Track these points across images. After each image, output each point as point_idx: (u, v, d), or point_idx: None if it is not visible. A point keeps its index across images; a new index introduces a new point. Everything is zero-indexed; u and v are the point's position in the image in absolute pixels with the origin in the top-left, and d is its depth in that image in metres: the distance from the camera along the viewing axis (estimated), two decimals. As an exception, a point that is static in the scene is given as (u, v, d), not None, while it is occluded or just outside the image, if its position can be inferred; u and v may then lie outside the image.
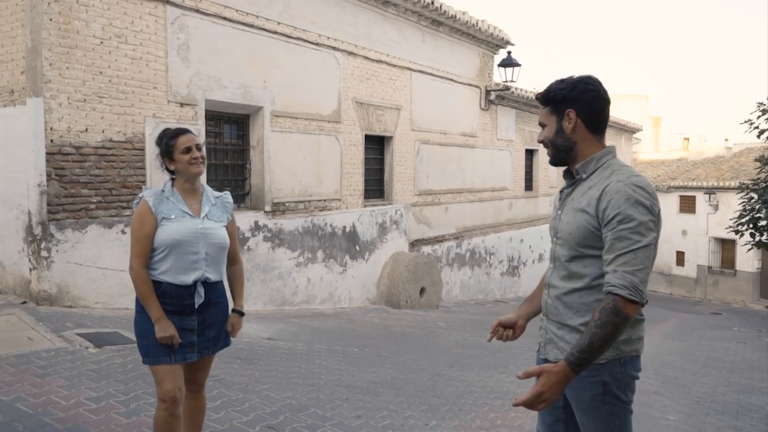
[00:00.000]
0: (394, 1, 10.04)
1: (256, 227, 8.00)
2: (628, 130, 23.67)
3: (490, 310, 12.07)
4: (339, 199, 9.47)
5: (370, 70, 9.94)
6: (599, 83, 2.05)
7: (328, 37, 8.97)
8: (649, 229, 1.85)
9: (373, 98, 10.07)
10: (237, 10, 7.54)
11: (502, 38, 13.22)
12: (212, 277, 2.81)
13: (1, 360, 4.34)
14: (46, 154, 5.77)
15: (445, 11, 11.03)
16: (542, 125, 2.13)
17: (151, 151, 6.63)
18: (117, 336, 5.25)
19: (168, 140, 2.81)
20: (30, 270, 5.82)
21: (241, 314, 2.98)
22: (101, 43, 6.16)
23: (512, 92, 13.85)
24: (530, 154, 16.40)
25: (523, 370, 1.92)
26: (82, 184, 6.08)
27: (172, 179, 2.86)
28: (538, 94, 2.12)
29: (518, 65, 13.41)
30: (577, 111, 2.02)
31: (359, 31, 9.58)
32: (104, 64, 6.19)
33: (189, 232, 2.74)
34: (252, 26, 7.75)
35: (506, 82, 13.65)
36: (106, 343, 5.02)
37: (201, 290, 2.78)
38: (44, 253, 5.79)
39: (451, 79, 12.14)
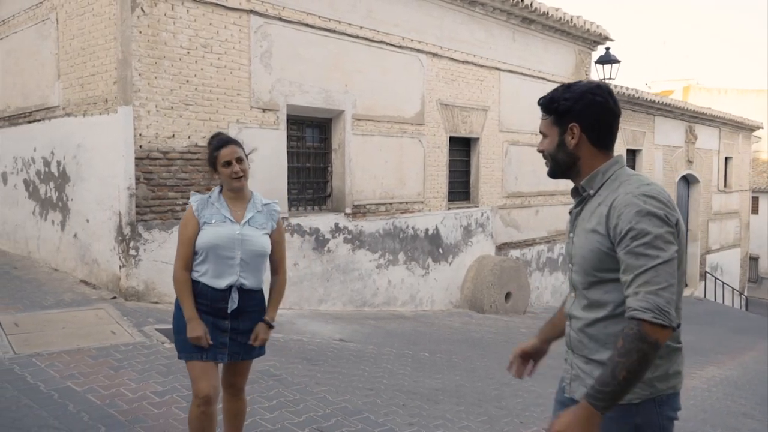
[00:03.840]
0: (482, 0, 9.86)
1: (337, 229, 8.12)
2: (747, 128, 21.91)
3: (582, 317, 11.55)
4: (422, 202, 9.42)
5: (455, 71, 9.82)
6: (608, 93, 1.85)
7: (412, 40, 8.95)
8: (668, 242, 1.64)
9: (459, 99, 9.94)
10: (319, 17, 7.69)
11: (600, 34, 12.63)
12: (248, 283, 2.84)
13: (83, 352, 4.68)
14: (135, 158, 6.15)
15: (536, 8, 10.69)
16: (543, 134, 1.95)
17: (234, 155, 6.90)
18: (193, 332, 5.49)
19: (212, 151, 2.86)
20: (120, 267, 6.23)
21: (270, 326, 2.95)
22: (188, 53, 6.48)
23: (611, 90, 13.18)
24: (632, 154, 15.58)
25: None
26: (169, 187, 6.43)
27: (221, 185, 2.93)
28: (540, 99, 1.93)
29: (617, 62, 12.77)
30: (581, 126, 1.83)
31: (444, 33, 9.48)
32: (190, 73, 6.51)
33: (226, 236, 2.79)
34: (334, 31, 7.88)
35: (605, 79, 13.02)
36: (182, 339, 5.27)
37: (235, 296, 2.82)
38: (132, 252, 6.18)
39: (543, 78, 11.75)
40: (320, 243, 7.90)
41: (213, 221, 2.82)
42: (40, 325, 5.32)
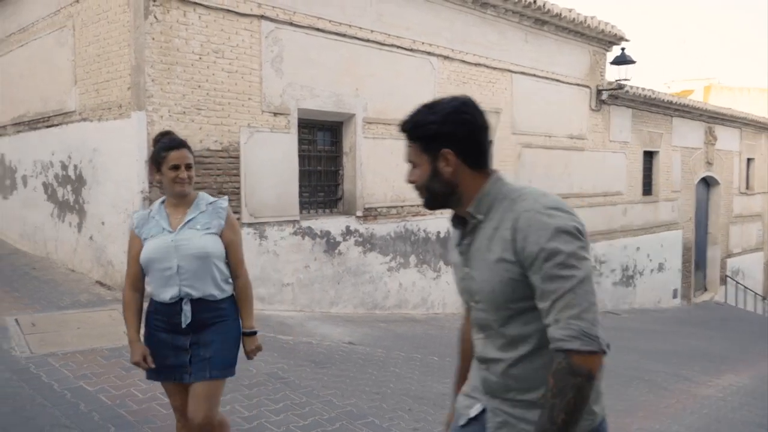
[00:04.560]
0: (494, 2, 9.87)
1: (348, 232, 8.18)
2: (770, 129, 21.59)
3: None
4: (433, 204, 9.43)
5: (467, 73, 9.83)
6: (475, 107, 1.65)
7: (423, 43, 8.99)
8: (582, 258, 1.48)
9: (471, 102, 9.93)
10: (330, 21, 7.76)
11: (615, 34, 12.56)
12: (196, 293, 2.62)
13: (96, 352, 4.79)
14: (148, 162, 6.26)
15: (549, 10, 10.67)
16: (411, 163, 1.70)
17: (246, 158, 7.01)
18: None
19: (160, 150, 2.65)
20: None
21: (253, 334, 2.77)
22: (200, 58, 6.59)
23: (626, 91, 13.11)
24: (649, 156, 15.43)
25: None
26: (181, 190, 6.52)
27: (164, 197, 2.79)
28: (401, 124, 1.69)
29: (632, 62, 12.68)
30: (455, 151, 1.61)
31: (455, 35, 9.50)
32: (202, 78, 6.62)
33: (159, 248, 2.63)
34: (345, 35, 7.94)
35: (620, 80, 12.94)
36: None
37: (187, 309, 2.63)
38: (146, 255, 6.28)
39: (556, 80, 11.71)
40: (331, 246, 7.96)
41: (151, 235, 2.67)
42: (56, 325, 5.46)
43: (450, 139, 1.61)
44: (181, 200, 2.70)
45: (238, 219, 6.80)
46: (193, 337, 2.65)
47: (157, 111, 6.29)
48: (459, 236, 1.73)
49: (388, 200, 8.71)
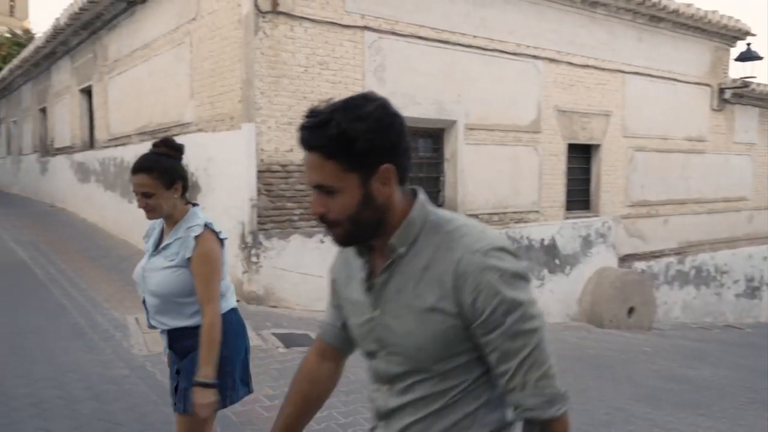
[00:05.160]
0: (604, 1, 9.47)
1: (448, 239, 8.13)
2: None
3: (716, 336, 10.74)
4: (537, 211, 9.21)
5: (574, 76, 9.50)
6: (394, 108, 1.29)
7: (527, 46, 8.79)
8: (534, 301, 1.24)
9: (578, 105, 9.61)
10: (432, 28, 7.77)
11: (739, 29, 11.67)
12: (168, 324, 2.39)
13: (205, 353, 5.06)
14: (257, 172, 6.56)
15: (665, 6, 10.10)
16: (324, 189, 1.24)
17: (348, 166, 7.15)
18: (306, 338, 5.76)
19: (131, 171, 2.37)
20: (242, 273, 6.66)
21: (204, 386, 2.25)
22: (305, 70, 6.81)
23: (752, 89, 12.14)
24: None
25: None
26: (287, 198, 6.78)
27: None
28: (308, 133, 1.25)
29: (759, 58, 11.72)
30: (396, 164, 1.23)
31: (562, 37, 9.21)
32: (307, 89, 6.83)
33: (137, 273, 2.46)
34: (447, 42, 7.92)
35: (744, 78, 12.00)
36: (295, 344, 5.55)
37: (163, 337, 2.44)
38: (254, 259, 6.59)
39: (673, 79, 11.06)
40: (432, 252, 7.95)
41: (145, 251, 2.49)
42: (171, 325, 5.82)
43: (390, 150, 1.23)
44: (167, 218, 2.40)
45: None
46: (179, 363, 2.41)
47: (265, 122, 6.57)
48: (365, 268, 1.34)
49: (489, 207, 8.59)
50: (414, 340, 1.26)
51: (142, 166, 2.30)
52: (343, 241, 1.30)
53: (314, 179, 1.25)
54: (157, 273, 2.34)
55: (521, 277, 1.23)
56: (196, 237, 2.31)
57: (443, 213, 1.33)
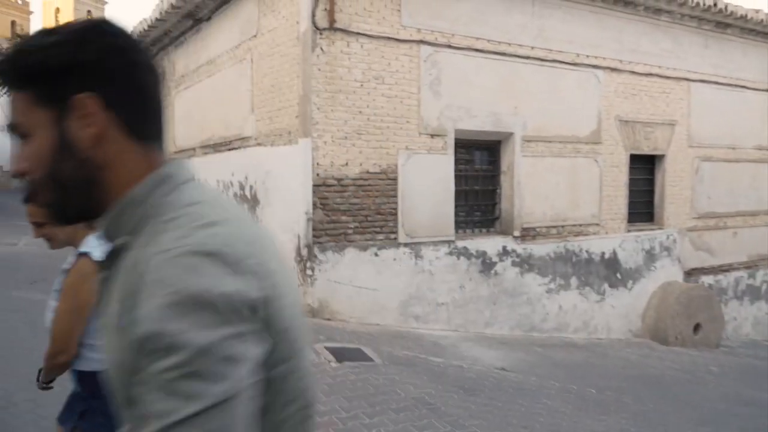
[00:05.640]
0: (668, 8, 9.19)
1: (504, 252, 8.06)
2: None
3: (791, 355, 10.19)
4: (597, 224, 9.00)
5: (637, 85, 9.25)
6: (128, 33, 0.92)
7: (588, 56, 8.61)
8: (228, 360, 0.76)
9: (641, 115, 9.34)
10: (488, 41, 7.72)
11: (817, 32, 11.07)
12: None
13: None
14: (313, 186, 6.67)
15: (732, 12, 9.70)
16: (15, 133, 0.91)
17: (403, 180, 7.19)
18: (358, 353, 5.82)
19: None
20: (298, 286, 6.78)
21: None
22: (361, 85, 6.89)
23: (832, 95, 11.48)
24: None
25: None
26: (342, 211, 6.87)
27: None
28: None
29: (839, 62, 11.08)
30: (105, 96, 0.88)
31: (624, 45, 8.99)
32: (363, 104, 6.91)
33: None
34: (504, 54, 7.86)
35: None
36: (347, 358, 5.60)
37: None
38: (309, 272, 6.70)
39: (742, 86, 10.61)
40: (487, 266, 7.89)
41: None
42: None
43: (95, 74, 0.87)
44: (73, 248, 2.11)
45: (394, 239, 7.03)
46: None
47: (321, 137, 6.68)
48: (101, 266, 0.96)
49: (547, 220, 8.45)
50: (108, 359, 0.88)
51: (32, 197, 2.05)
52: (53, 213, 0.94)
53: (6, 120, 0.91)
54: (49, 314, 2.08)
55: (207, 307, 0.75)
56: (66, 270, 2.05)
57: (190, 194, 0.91)
